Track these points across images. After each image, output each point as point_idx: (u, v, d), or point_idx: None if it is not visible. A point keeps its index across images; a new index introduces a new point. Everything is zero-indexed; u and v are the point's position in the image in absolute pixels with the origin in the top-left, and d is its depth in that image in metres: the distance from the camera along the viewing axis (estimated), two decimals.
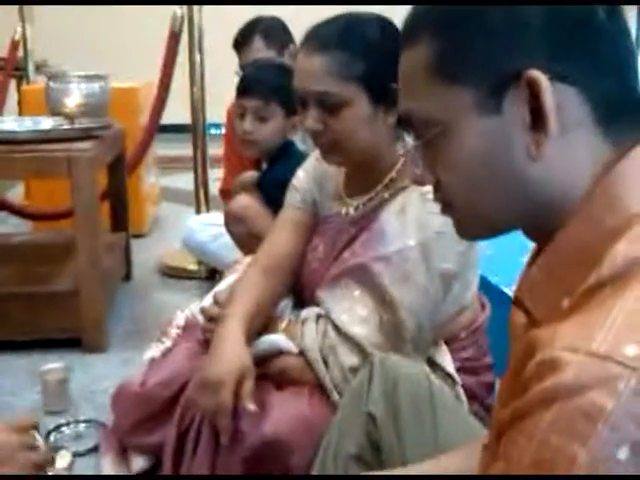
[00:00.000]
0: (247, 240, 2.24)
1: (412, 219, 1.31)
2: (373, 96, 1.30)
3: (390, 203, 1.37)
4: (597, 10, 0.65)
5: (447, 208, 0.73)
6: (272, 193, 2.16)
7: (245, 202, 2.29)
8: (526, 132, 0.64)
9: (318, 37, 1.34)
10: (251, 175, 2.41)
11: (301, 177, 1.56)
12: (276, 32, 2.82)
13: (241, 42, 2.82)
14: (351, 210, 1.44)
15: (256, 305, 1.42)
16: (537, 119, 0.64)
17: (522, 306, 0.70)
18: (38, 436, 1.06)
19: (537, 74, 0.63)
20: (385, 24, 1.33)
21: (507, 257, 1.93)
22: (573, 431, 0.53)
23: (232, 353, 1.30)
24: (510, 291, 1.87)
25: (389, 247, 1.32)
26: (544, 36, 0.64)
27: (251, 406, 1.26)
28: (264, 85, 2.17)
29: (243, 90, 2.19)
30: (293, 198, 1.55)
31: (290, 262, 1.51)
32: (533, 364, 0.58)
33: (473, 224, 0.73)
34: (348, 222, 1.44)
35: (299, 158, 1.79)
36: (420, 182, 0.73)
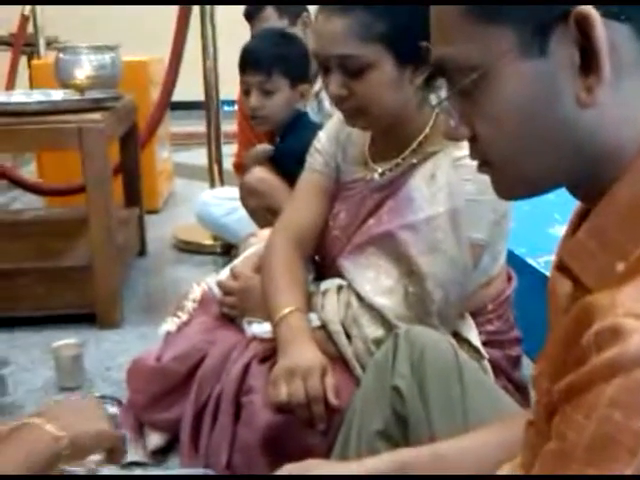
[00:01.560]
0: (262, 213, 2.20)
1: (442, 186, 1.23)
2: (399, 57, 1.24)
3: (419, 169, 1.30)
4: None
5: (485, 165, 0.66)
6: (287, 166, 2.11)
7: (261, 175, 2.25)
8: (576, 76, 0.58)
9: None
10: (264, 148, 2.36)
11: (323, 139, 1.49)
12: None
13: (252, 12, 2.74)
14: (376, 176, 1.37)
15: (304, 288, 1.39)
16: (588, 61, 0.57)
17: (568, 273, 0.64)
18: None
19: (588, 9, 0.56)
20: None
21: (532, 229, 1.88)
22: (638, 406, 0.48)
23: (311, 347, 1.28)
24: (535, 263, 1.82)
25: (418, 215, 1.26)
26: None
27: (335, 401, 1.23)
28: (263, 57, 2.10)
29: (244, 66, 2.14)
30: (315, 161, 1.48)
31: (314, 230, 1.45)
32: (591, 333, 0.52)
33: (515, 182, 0.66)
34: (372, 188, 1.38)
35: (313, 129, 1.72)
36: (454, 137, 0.67)
